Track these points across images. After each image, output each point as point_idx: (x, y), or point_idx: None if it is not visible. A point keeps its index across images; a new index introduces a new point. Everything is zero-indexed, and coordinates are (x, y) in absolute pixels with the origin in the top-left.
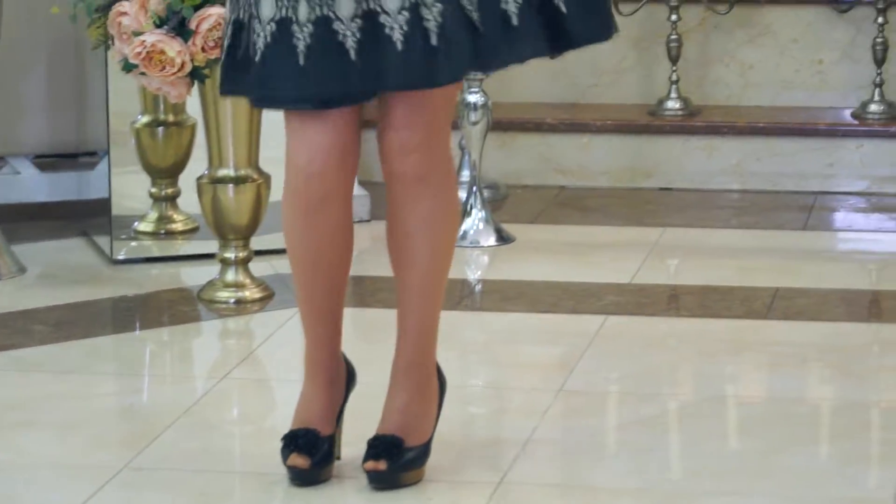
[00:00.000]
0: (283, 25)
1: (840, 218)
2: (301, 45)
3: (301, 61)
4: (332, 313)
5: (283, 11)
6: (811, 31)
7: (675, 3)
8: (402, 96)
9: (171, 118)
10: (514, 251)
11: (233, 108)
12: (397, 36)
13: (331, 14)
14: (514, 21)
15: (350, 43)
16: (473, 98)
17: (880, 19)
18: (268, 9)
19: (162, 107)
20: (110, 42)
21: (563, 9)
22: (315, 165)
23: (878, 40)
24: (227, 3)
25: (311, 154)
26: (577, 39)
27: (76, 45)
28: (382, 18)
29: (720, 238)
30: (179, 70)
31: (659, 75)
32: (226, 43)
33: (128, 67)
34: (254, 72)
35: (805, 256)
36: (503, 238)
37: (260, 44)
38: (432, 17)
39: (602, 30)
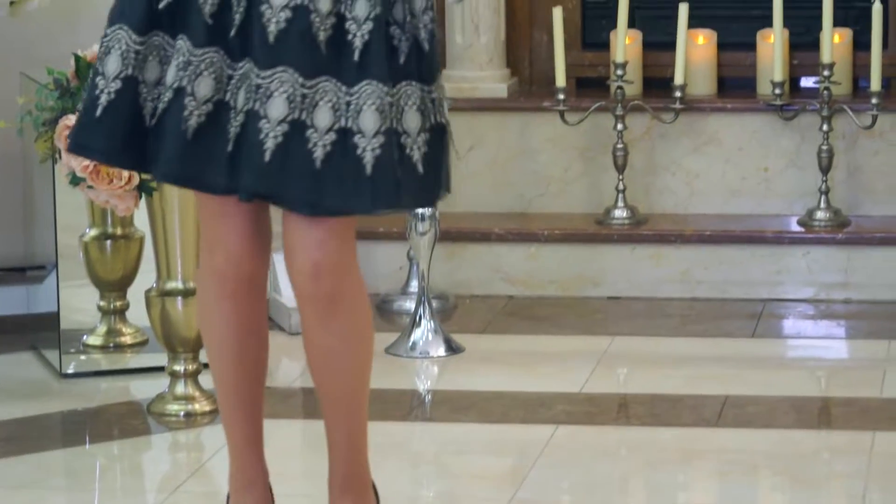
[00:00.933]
0: (178, 97)
1: (788, 325)
2: (193, 122)
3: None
4: (258, 406)
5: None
6: (756, 139)
7: (621, 112)
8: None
9: (118, 231)
10: (464, 361)
11: (180, 221)
12: (319, 153)
13: (261, 111)
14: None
15: (270, 144)
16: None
17: (825, 127)
18: (171, 76)
19: (110, 220)
20: (58, 156)
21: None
22: (242, 247)
23: (824, 148)
24: (115, 55)
25: (239, 236)
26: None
27: (23, 158)
28: (309, 133)
29: (669, 346)
30: (127, 183)
31: (606, 184)
32: (105, 97)
33: (75, 181)
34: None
35: (754, 364)
36: (452, 348)
37: (160, 107)
38: (367, 146)
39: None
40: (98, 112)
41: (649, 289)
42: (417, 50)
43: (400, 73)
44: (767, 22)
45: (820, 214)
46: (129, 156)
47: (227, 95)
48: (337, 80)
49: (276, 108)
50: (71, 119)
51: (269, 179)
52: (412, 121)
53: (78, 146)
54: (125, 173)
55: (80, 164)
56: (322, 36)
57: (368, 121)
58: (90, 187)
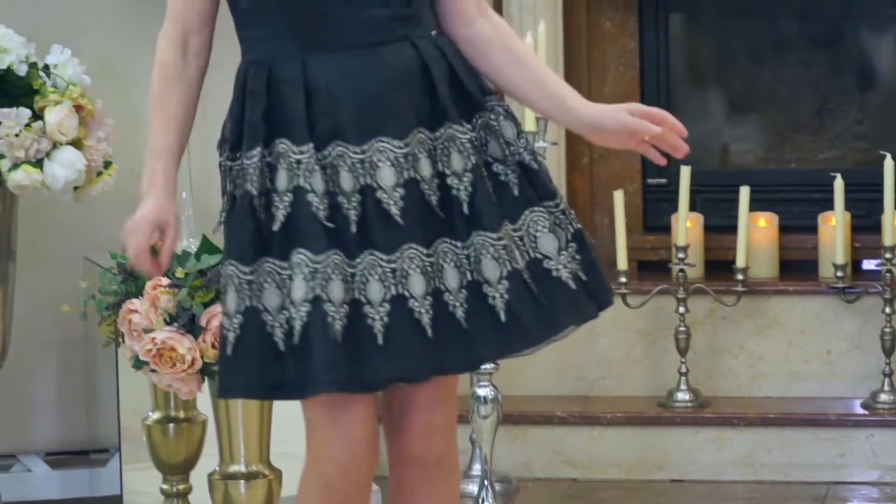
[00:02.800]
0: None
1: None
2: (338, 326)
3: (379, 341)
4: None
5: (316, 290)
6: (819, 322)
7: (683, 295)
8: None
9: (181, 414)
10: None
11: (243, 404)
12: (460, 314)
13: (405, 292)
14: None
15: (426, 320)
16: (483, 392)
17: (888, 309)
18: (300, 291)
19: (172, 403)
20: (121, 339)
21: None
22: (356, 458)
23: (886, 330)
24: (231, 292)
25: (350, 446)
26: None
27: (86, 341)
28: (447, 297)
29: None
30: (190, 367)
31: (668, 367)
32: (232, 335)
33: (138, 364)
34: (300, 359)
35: None
36: None
37: (297, 326)
38: (495, 293)
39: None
40: (229, 350)
41: (713, 472)
42: (527, 173)
43: (520, 204)
44: (829, 205)
45: (884, 397)
46: (267, 385)
47: (356, 293)
48: (451, 239)
49: (418, 285)
50: (135, 303)
51: (432, 354)
52: (549, 244)
53: (221, 389)
54: (188, 356)
55: (143, 348)
56: (434, 200)
57: (488, 270)
58: (153, 371)
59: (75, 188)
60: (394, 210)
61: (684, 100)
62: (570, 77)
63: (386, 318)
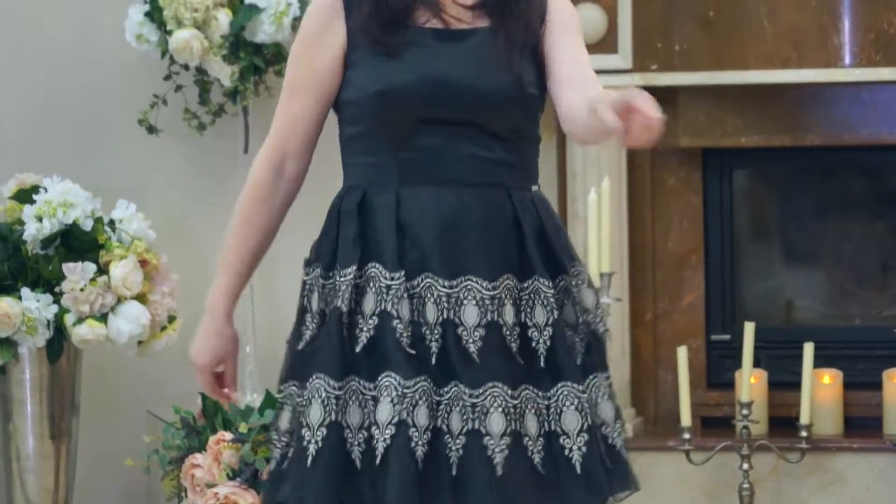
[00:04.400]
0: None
1: None
2: (420, 452)
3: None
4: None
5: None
6: (884, 479)
7: (747, 451)
8: None
9: None
10: None
11: None
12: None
13: (481, 428)
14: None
15: (498, 459)
16: None
17: None
18: (385, 412)
19: None
20: (184, 494)
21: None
22: None
23: None
24: (317, 404)
25: None
26: None
27: (149, 496)
28: (526, 441)
29: None
30: None
31: None
32: (314, 447)
33: None
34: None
35: None
36: None
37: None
38: (574, 445)
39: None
40: (308, 462)
41: None
42: (596, 343)
43: (586, 370)
44: (893, 362)
45: None
46: (339, 500)
47: (440, 421)
48: (534, 388)
49: (497, 423)
50: (198, 458)
51: (500, 494)
52: (608, 411)
53: (294, 500)
54: None
55: (205, 502)
56: (514, 346)
57: (570, 421)
58: None
59: (139, 342)
60: (472, 348)
61: (748, 255)
62: (634, 232)
63: (461, 452)
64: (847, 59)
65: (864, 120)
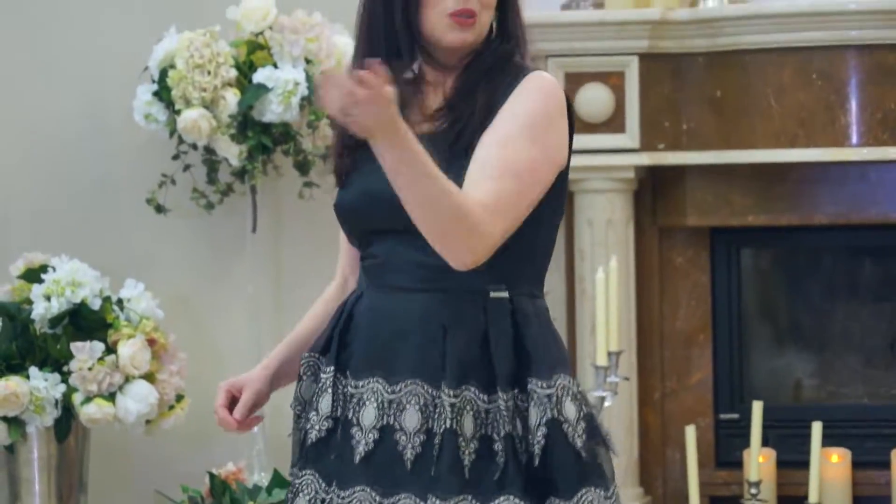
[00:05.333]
0: None
1: None
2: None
3: None
4: None
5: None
6: None
7: None
8: None
9: None
10: None
11: None
12: None
13: None
14: None
15: None
16: None
17: None
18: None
19: None
20: None
21: None
22: None
23: None
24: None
25: None
26: None
27: None
28: None
29: None
30: None
31: None
32: None
33: None
34: None
35: None
36: None
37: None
38: None
39: None
40: None
41: None
42: (520, 464)
43: (491, 487)
44: None
45: None
46: None
47: None
48: (413, 495)
49: None
50: None
51: None
52: None
53: None
54: None
55: None
56: (409, 455)
57: None
58: None
59: (147, 421)
60: (359, 449)
61: (756, 334)
62: (642, 311)
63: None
64: (854, 139)
65: (872, 199)
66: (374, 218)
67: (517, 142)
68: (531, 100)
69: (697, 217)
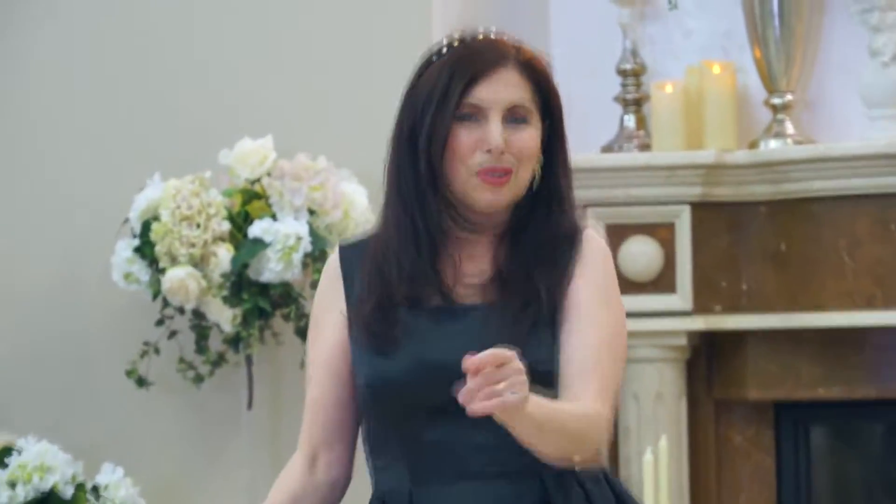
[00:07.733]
0: None
1: None
2: None
3: None
4: None
5: None
6: None
7: None
8: None
9: None
10: None
11: None
12: None
13: None
14: None
15: None
16: None
17: None
18: None
19: None
20: None
21: None
22: None
23: None
24: None
25: None
26: None
27: None
28: None
29: None
30: None
31: None
32: None
33: None
34: None
35: None
36: None
37: None
38: None
39: None
40: None
41: None
42: None
43: None
44: None
45: None
46: None
47: None
48: None
49: None
50: None
51: None
52: None
53: None
54: None
55: None
56: None
57: None
58: None
59: None
60: None
61: None
62: (698, 496)
63: None
64: None
65: None
66: (433, 394)
67: (603, 329)
68: (600, 273)
69: (760, 390)
